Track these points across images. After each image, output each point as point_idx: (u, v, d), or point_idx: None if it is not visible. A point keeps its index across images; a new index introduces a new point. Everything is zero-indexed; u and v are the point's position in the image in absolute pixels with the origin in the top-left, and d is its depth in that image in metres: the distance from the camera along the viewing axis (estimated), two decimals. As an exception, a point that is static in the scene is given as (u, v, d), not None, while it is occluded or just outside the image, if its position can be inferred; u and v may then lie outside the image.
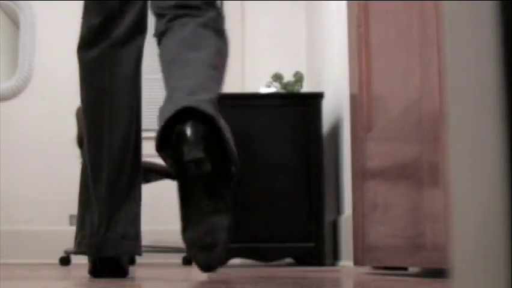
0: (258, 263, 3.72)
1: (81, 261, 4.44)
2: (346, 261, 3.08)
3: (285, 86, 3.54)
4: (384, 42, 2.00)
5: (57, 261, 4.47)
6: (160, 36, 1.67)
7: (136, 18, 1.79)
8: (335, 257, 3.34)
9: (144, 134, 4.88)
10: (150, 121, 4.70)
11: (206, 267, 1.38)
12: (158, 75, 4.36)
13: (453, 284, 0.46)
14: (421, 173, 1.60)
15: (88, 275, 1.80)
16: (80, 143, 3.77)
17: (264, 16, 4.80)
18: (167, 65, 1.56)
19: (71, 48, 4.74)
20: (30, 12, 4.75)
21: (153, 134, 4.20)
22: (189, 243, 1.38)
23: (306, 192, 3.17)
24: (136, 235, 1.70)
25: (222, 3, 4.62)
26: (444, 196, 1.44)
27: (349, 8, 2.45)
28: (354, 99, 2.35)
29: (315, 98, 3.25)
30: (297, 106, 3.24)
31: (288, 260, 4.16)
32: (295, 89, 3.54)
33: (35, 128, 4.66)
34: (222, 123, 1.42)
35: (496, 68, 0.40)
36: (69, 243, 4.50)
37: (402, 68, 1.80)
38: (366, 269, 2.48)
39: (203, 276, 1.87)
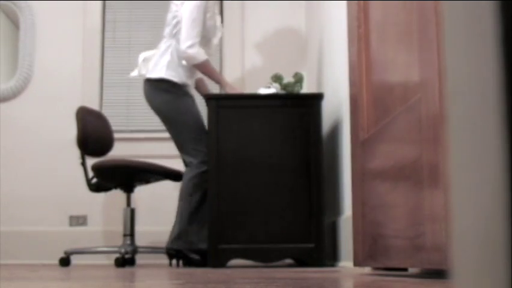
0: (257, 263, 3.72)
1: (80, 262, 4.43)
2: (346, 262, 3.08)
3: (284, 86, 3.54)
4: (384, 43, 2.00)
5: (57, 262, 4.47)
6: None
7: None
8: (335, 257, 3.34)
9: (145, 135, 4.82)
10: (155, 123, 4.70)
11: None
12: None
13: (454, 285, 0.46)
14: (421, 173, 1.60)
15: (88, 275, 1.82)
16: (80, 143, 3.77)
17: (265, 16, 4.80)
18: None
19: (70, 49, 4.74)
20: (30, 13, 4.75)
21: (153, 135, 4.38)
22: None
23: (305, 193, 3.17)
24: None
25: (222, 3, 4.89)
26: (444, 197, 1.44)
27: (349, 8, 2.45)
28: (354, 100, 2.35)
29: (315, 99, 3.25)
30: (297, 107, 3.24)
31: (288, 260, 4.16)
32: (295, 89, 3.53)
33: (35, 128, 4.66)
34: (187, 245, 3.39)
35: (496, 68, 0.40)
36: (69, 244, 4.50)
37: (402, 68, 1.80)
38: (366, 270, 2.48)
39: (203, 276, 1.87)
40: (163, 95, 3.49)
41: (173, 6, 3.61)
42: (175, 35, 3.56)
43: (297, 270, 2.48)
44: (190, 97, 3.56)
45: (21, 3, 4.76)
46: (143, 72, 3.64)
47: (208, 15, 3.56)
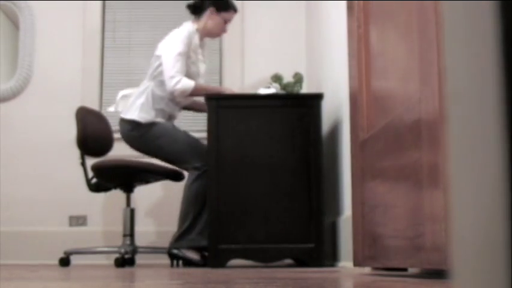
0: (257, 263, 3.72)
1: (80, 262, 4.43)
2: (345, 262, 3.08)
3: (284, 86, 3.54)
4: (384, 43, 2.00)
5: (57, 262, 4.47)
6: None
7: None
8: (335, 258, 3.34)
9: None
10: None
11: None
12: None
13: (454, 285, 0.46)
14: (421, 173, 1.60)
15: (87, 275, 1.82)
16: (80, 143, 3.77)
17: (264, 16, 4.80)
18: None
19: (70, 49, 4.74)
20: (30, 14, 4.75)
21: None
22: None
23: (305, 193, 3.17)
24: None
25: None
26: (444, 197, 1.44)
27: (349, 8, 2.45)
28: (353, 100, 2.35)
29: (315, 99, 3.25)
30: (297, 107, 3.24)
31: (288, 260, 4.16)
32: (295, 89, 3.53)
33: (35, 128, 4.66)
34: (187, 254, 3.45)
35: (496, 68, 0.40)
36: (69, 244, 4.50)
37: (402, 68, 1.80)
38: (366, 270, 2.48)
39: (203, 276, 1.87)
40: (134, 132, 3.61)
41: (158, 49, 3.68)
42: (154, 77, 3.64)
43: (297, 270, 2.48)
44: (163, 124, 3.62)
45: (21, 4, 4.76)
46: (119, 109, 3.74)
47: (190, 60, 3.63)
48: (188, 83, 3.52)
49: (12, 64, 4.77)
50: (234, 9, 3.78)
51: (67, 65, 4.72)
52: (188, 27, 3.66)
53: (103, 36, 4.78)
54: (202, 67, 3.77)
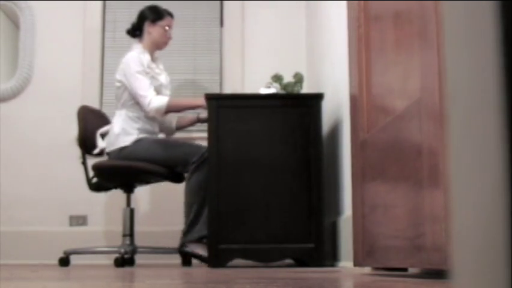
0: (257, 263, 3.72)
1: (80, 262, 4.43)
2: (346, 262, 3.08)
3: (284, 86, 3.54)
4: (384, 43, 2.00)
5: (56, 262, 4.47)
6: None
7: None
8: (335, 258, 3.34)
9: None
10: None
11: None
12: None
13: (454, 285, 0.46)
14: (421, 173, 1.60)
15: (88, 276, 1.83)
16: (81, 142, 3.77)
17: (264, 16, 4.80)
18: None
19: (70, 49, 4.74)
20: (30, 13, 4.75)
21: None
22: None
23: (305, 193, 3.17)
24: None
25: (222, 3, 5.01)
26: (444, 197, 1.44)
27: (349, 8, 2.45)
28: (354, 100, 2.35)
29: (315, 99, 3.25)
30: (297, 107, 3.24)
31: (288, 260, 4.16)
32: (295, 89, 3.53)
33: (35, 128, 4.66)
34: (192, 248, 3.47)
35: (495, 68, 0.40)
36: (69, 244, 4.50)
37: (402, 68, 1.80)
38: (366, 270, 2.48)
39: (203, 276, 1.87)
40: (123, 152, 3.67)
41: (116, 81, 3.76)
42: (123, 104, 3.72)
43: (297, 270, 2.48)
44: (147, 137, 3.69)
45: (21, 4, 4.76)
46: (102, 145, 3.78)
47: (148, 76, 3.70)
48: (160, 101, 3.61)
49: (12, 64, 4.77)
50: (169, 15, 3.90)
51: (67, 65, 4.72)
52: (135, 48, 3.79)
53: (103, 36, 4.78)
54: (163, 78, 3.84)
